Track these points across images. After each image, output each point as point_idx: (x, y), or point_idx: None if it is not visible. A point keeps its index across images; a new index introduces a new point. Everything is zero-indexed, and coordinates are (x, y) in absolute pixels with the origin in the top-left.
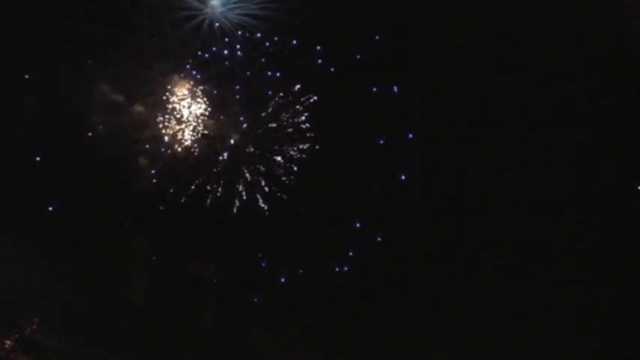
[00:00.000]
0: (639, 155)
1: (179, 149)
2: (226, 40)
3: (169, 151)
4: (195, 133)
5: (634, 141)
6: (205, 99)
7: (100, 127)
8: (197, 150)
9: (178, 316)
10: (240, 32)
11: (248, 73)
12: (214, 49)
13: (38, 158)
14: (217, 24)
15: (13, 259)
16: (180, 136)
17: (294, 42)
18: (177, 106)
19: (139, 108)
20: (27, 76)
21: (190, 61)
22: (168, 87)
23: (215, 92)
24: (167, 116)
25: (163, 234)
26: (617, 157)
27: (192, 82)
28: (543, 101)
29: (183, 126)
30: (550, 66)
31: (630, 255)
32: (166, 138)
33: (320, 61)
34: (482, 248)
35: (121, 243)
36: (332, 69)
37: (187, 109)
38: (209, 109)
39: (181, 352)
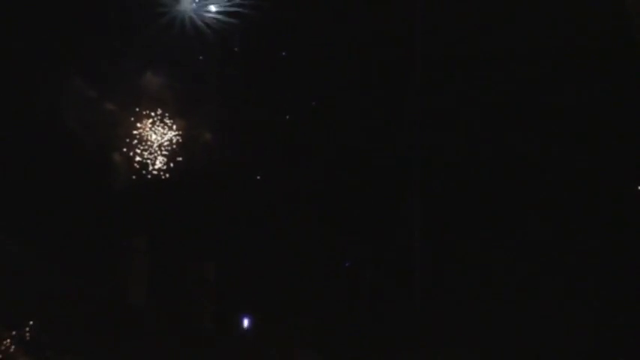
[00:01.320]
0: (639, 155)
1: (155, 149)
2: (198, 38)
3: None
4: (168, 134)
5: (634, 141)
6: (177, 99)
7: (81, 124)
8: (172, 152)
9: (178, 316)
10: (213, 30)
11: (222, 73)
12: (186, 47)
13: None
14: (189, 21)
15: (13, 259)
16: (153, 136)
17: (273, 43)
18: (148, 105)
19: (111, 106)
20: None
21: (161, 59)
22: (140, 85)
23: (187, 92)
24: (142, 115)
25: (163, 234)
26: (617, 157)
27: (163, 81)
28: (542, 101)
29: (156, 126)
30: (549, 65)
31: (630, 255)
32: (142, 137)
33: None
34: (483, 249)
35: (121, 243)
36: (317, 76)
37: (159, 108)
38: (181, 109)
39: (181, 353)
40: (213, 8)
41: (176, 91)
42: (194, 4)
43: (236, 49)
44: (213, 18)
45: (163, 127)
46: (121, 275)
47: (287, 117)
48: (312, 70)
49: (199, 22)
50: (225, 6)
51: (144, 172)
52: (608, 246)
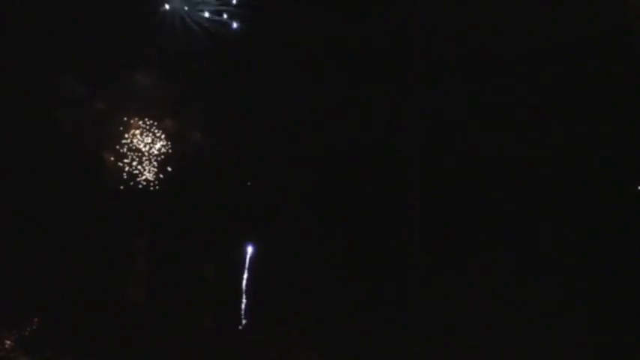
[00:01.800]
0: (639, 155)
1: (152, 150)
2: (189, 37)
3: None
4: (164, 135)
5: (634, 141)
6: (167, 99)
7: (75, 124)
8: (169, 152)
9: (178, 316)
10: (203, 30)
11: (212, 73)
12: (176, 46)
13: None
14: (179, 21)
15: (13, 259)
16: (148, 137)
17: (270, 42)
18: (144, 106)
19: (101, 104)
20: None
21: (151, 58)
22: (130, 85)
23: (177, 91)
24: (140, 114)
25: (163, 234)
26: (617, 157)
27: (153, 80)
28: (542, 101)
29: (153, 127)
30: (549, 65)
31: (630, 255)
32: (138, 138)
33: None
34: (483, 249)
35: (121, 243)
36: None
37: (155, 109)
38: (178, 110)
39: (181, 352)
40: (204, 7)
41: (172, 91)
42: (185, 4)
43: (231, 48)
44: (205, 17)
45: (161, 128)
46: (121, 275)
47: (285, 116)
48: (310, 69)
49: (190, 22)
50: (217, 5)
51: (144, 172)
52: (608, 246)
